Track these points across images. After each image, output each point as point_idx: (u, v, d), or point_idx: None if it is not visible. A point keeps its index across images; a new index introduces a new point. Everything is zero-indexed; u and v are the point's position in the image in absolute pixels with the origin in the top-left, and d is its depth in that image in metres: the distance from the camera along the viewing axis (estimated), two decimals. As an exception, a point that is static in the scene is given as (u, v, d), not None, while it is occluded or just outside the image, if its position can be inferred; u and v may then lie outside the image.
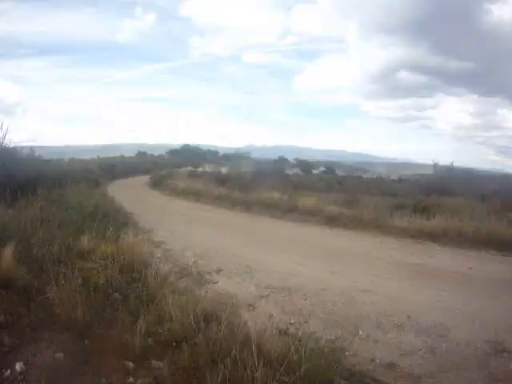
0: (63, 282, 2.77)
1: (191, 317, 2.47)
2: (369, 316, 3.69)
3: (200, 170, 24.37)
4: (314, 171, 32.30)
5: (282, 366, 2.02)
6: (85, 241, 4.11)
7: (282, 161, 38.46)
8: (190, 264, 5.29)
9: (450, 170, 16.60)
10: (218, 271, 5.00)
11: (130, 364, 2.19)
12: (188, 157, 39.99)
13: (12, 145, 8.41)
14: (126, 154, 46.48)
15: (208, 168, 25.62)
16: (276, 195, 11.64)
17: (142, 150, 51.19)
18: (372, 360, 2.87)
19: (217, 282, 4.57)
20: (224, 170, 22.06)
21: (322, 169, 35.02)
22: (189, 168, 26.28)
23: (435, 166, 16.76)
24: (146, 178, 20.88)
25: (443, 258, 6.14)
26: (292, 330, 2.92)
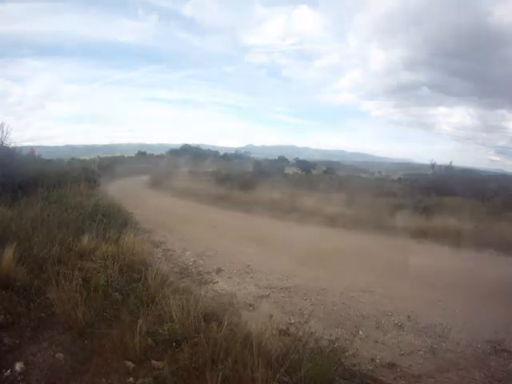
0: (63, 282, 2.77)
1: (191, 317, 2.47)
2: (369, 316, 3.69)
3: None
4: (314, 171, 32.25)
5: (282, 366, 2.02)
6: (85, 241, 4.11)
7: (281, 160, 38.47)
8: (190, 264, 5.30)
9: (449, 169, 16.57)
10: (218, 271, 5.00)
11: (130, 364, 2.19)
12: (188, 157, 39.86)
13: (12, 145, 8.42)
14: (126, 154, 46.41)
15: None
16: (276, 195, 11.64)
17: (142, 149, 51.07)
18: (372, 360, 2.88)
19: (217, 282, 4.57)
20: (223, 169, 22.03)
21: (323, 168, 34.97)
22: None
23: (433, 166, 16.72)
24: (146, 178, 20.86)
25: (443, 257, 6.14)
26: (292, 330, 2.92)
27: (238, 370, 1.97)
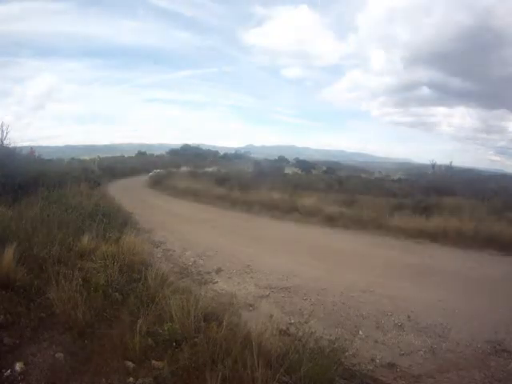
0: (63, 282, 2.77)
1: (191, 317, 2.47)
2: (369, 316, 3.69)
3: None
4: (314, 171, 32.29)
5: (282, 366, 2.02)
6: (85, 241, 4.11)
7: (281, 160, 38.56)
8: (190, 264, 5.30)
9: (449, 169, 16.58)
10: (218, 271, 5.00)
11: (130, 364, 2.19)
12: (188, 157, 39.87)
13: (12, 145, 8.44)
14: (126, 154, 46.49)
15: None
16: (276, 195, 11.64)
17: (142, 149, 51.10)
18: (372, 360, 2.87)
19: (217, 282, 4.57)
20: (223, 169, 22.06)
21: (323, 168, 35.02)
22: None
23: (433, 166, 16.74)
24: (146, 178, 20.86)
25: (443, 257, 6.14)
26: (292, 330, 2.92)
27: (238, 370, 1.97)
